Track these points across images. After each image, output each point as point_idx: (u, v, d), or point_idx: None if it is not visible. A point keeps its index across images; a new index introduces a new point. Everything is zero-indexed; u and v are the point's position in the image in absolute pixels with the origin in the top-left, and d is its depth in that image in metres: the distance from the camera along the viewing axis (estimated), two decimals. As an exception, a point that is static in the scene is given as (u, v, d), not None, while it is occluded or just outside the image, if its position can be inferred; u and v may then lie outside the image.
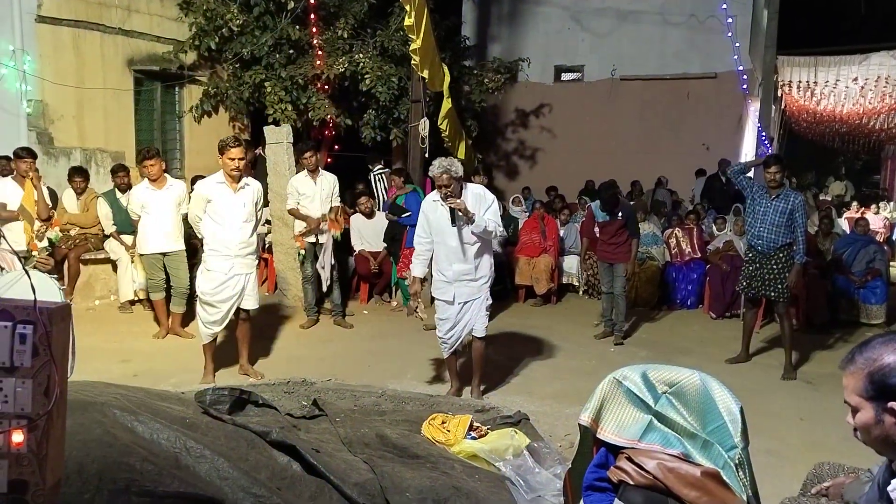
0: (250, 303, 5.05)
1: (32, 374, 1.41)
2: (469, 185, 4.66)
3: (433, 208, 4.65)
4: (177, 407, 3.16)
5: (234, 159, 4.79)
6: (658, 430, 2.52)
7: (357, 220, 7.85)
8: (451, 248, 4.61)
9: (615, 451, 2.53)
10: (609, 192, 6.52)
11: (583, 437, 2.64)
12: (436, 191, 4.60)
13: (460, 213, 4.46)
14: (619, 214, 6.46)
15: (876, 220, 12.42)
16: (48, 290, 3.34)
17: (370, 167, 8.12)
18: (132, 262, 6.79)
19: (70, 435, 2.39)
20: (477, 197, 4.57)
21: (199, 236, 5.10)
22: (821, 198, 16.44)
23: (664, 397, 2.59)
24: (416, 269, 4.76)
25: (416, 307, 4.90)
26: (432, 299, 5.05)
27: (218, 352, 5.19)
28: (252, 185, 5.03)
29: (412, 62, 7.61)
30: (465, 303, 4.69)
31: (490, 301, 4.83)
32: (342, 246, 7.29)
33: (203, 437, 2.81)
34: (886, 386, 1.50)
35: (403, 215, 7.52)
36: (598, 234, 6.70)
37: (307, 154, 6.53)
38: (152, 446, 2.63)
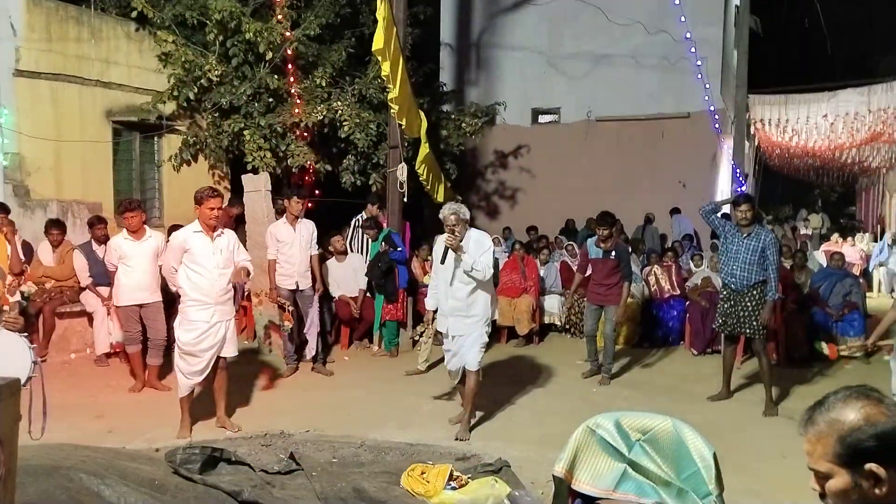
0: (230, 350, 5.04)
1: (-20, 451, 1.38)
2: (472, 230, 5.09)
3: (439, 246, 5.02)
4: (146, 467, 3.10)
5: (213, 209, 4.89)
6: (633, 478, 2.51)
7: (331, 265, 7.79)
8: (446, 284, 5.00)
9: (591, 501, 2.52)
10: (606, 214, 6.56)
11: (557, 488, 2.61)
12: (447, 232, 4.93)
13: (456, 252, 4.83)
14: (613, 254, 6.44)
15: (852, 252, 12.58)
16: (17, 351, 3.29)
17: (370, 204, 8.30)
18: (108, 314, 6.71)
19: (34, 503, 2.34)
20: (476, 242, 4.98)
21: (173, 288, 5.07)
22: (800, 231, 16.70)
23: (637, 445, 2.59)
24: (429, 302, 5.28)
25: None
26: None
27: (195, 404, 5.10)
28: (227, 233, 5.11)
29: (391, 111, 7.72)
30: (459, 336, 5.01)
31: (486, 339, 5.12)
32: (323, 293, 7.23)
33: (172, 500, 2.75)
34: (860, 449, 1.42)
35: (397, 249, 7.55)
36: (590, 273, 6.68)
37: (298, 200, 6.57)
38: (119, 511, 2.57)
